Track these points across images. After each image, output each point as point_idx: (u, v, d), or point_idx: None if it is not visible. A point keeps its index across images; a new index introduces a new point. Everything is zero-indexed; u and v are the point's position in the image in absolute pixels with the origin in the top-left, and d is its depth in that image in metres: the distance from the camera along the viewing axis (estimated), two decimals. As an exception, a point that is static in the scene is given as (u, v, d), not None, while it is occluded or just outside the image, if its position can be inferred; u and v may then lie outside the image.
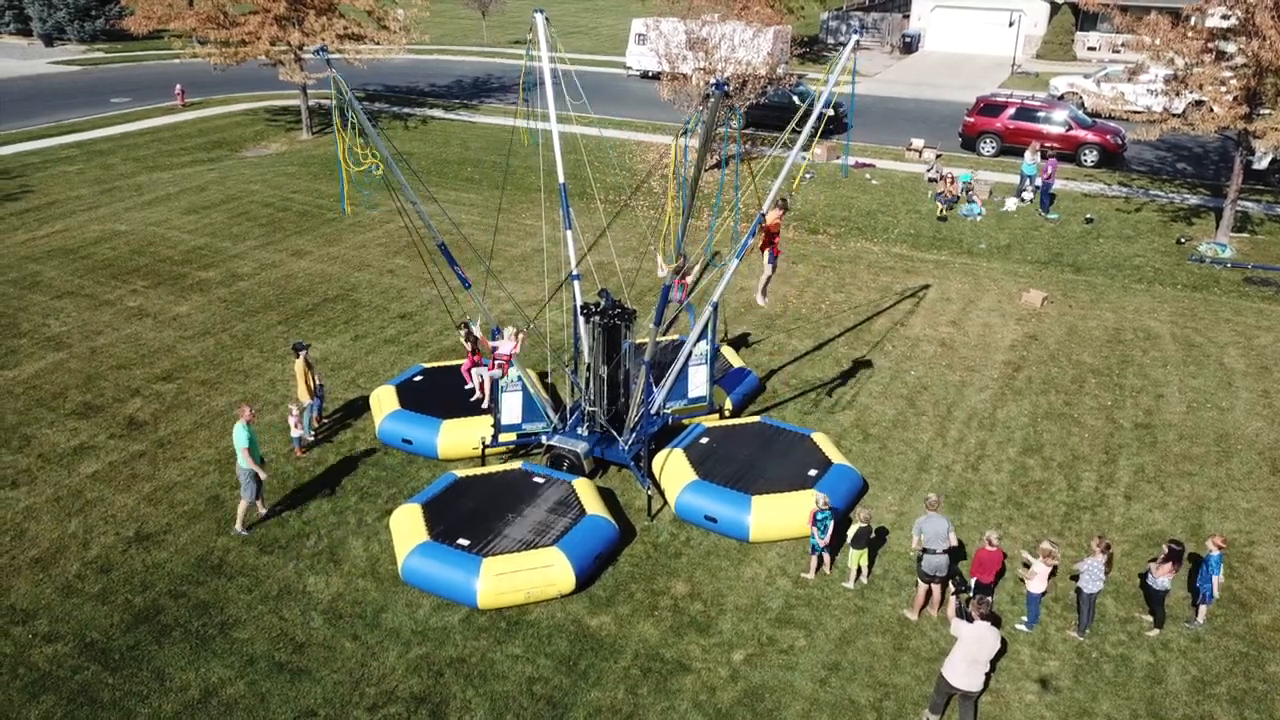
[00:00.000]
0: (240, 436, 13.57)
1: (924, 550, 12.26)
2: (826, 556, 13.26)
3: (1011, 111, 33.83)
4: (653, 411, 15.40)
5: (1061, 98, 38.72)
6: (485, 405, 16.05)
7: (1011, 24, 52.20)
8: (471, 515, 13.53)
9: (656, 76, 34.15)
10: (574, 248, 16.41)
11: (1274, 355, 19.75)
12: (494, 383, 15.00)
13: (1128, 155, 33.67)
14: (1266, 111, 24.45)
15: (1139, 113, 27.64)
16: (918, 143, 34.41)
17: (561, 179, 16.51)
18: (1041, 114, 33.43)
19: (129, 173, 31.97)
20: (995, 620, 11.07)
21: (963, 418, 17.33)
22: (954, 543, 12.42)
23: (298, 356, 15.95)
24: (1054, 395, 18.11)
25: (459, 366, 17.16)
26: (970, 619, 10.56)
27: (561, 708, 11.16)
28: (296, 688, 11.36)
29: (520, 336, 14.81)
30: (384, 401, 16.40)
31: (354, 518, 14.43)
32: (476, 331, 16.47)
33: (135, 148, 35.00)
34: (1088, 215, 27.98)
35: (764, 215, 15.08)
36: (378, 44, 35.48)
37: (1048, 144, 31.41)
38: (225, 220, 27.31)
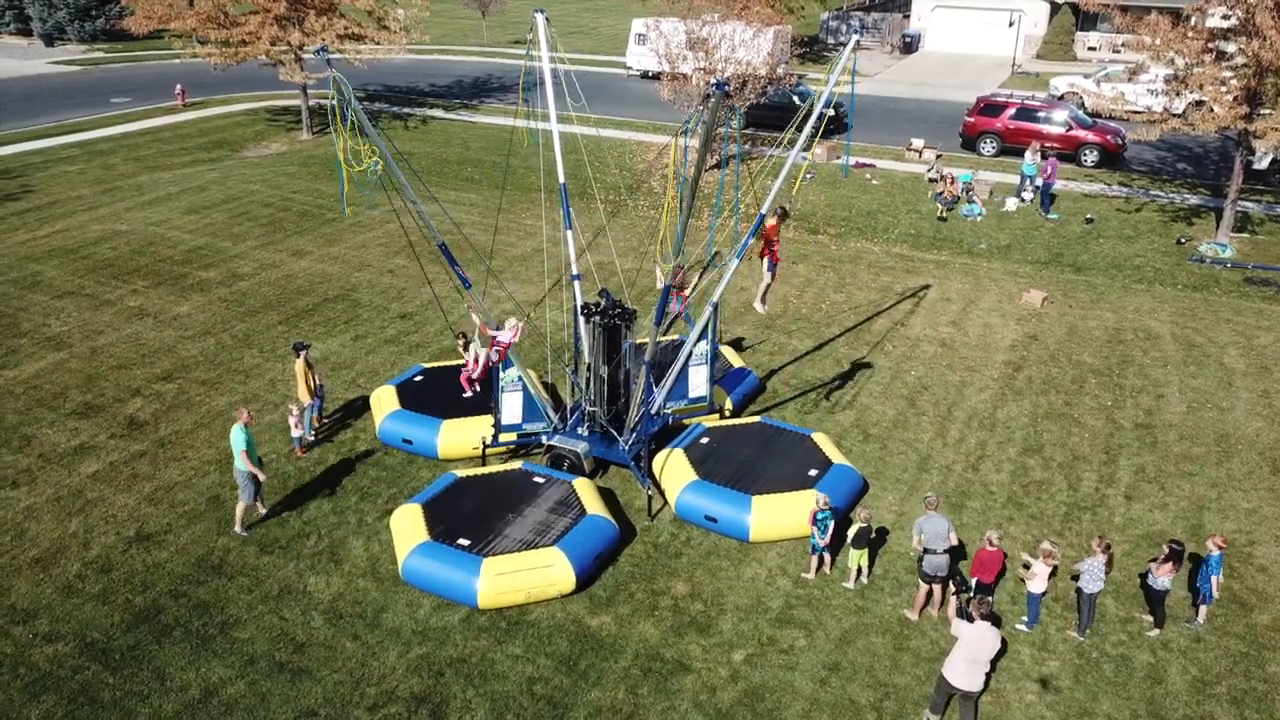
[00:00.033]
0: (238, 439, 13.57)
1: (924, 550, 12.26)
2: (827, 556, 13.26)
3: (1012, 112, 33.84)
4: (653, 411, 15.40)
5: (1062, 98, 38.72)
6: (477, 378, 16.03)
7: (1011, 24, 52.20)
8: (472, 515, 13.53)
9: (657, 76, 34.15)
10: (574, 248, 16.41)
11: (1274, 355, 19.76)
12: (493, 367, 14.90)
13: (1128, 155, 33.67)
14: (1267, 111, 24.45)
15: (1139, 113, 27.65)
16: (918, 143, 34.41)
17: (562, 179, 16.51)
18: (1042, 114, 33.43)
19: (129, 173, 31.98)
20: (996, 620, 11.07)
21: (963, 418, 17.34)
22: (954, 543, 12.42)
23: (298, 356, 15.96)
24: (1054, 395, 18.12)
25: (459, 368, 17.15)
26: (971, 619, 10.56)
27: (562, 708, 11.17)
28: (297, 687, 11.36)
29: (521, 326, 14.84)
30: (384, 401, 16.41)
31: (354, 518, 14.43)
32: (476, 346, 16.52)
33: (136, 148, 35.01)
34: (1088, 215, 27.98)
35: (764, 215, 15.07)
36: (378, 44, 35.49)
37: (1048, 144, 31.42)
38: (226, 220, 27.31)
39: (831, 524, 12.98)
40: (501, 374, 14.89)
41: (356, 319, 21.06)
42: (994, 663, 11.20)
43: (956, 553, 12.80)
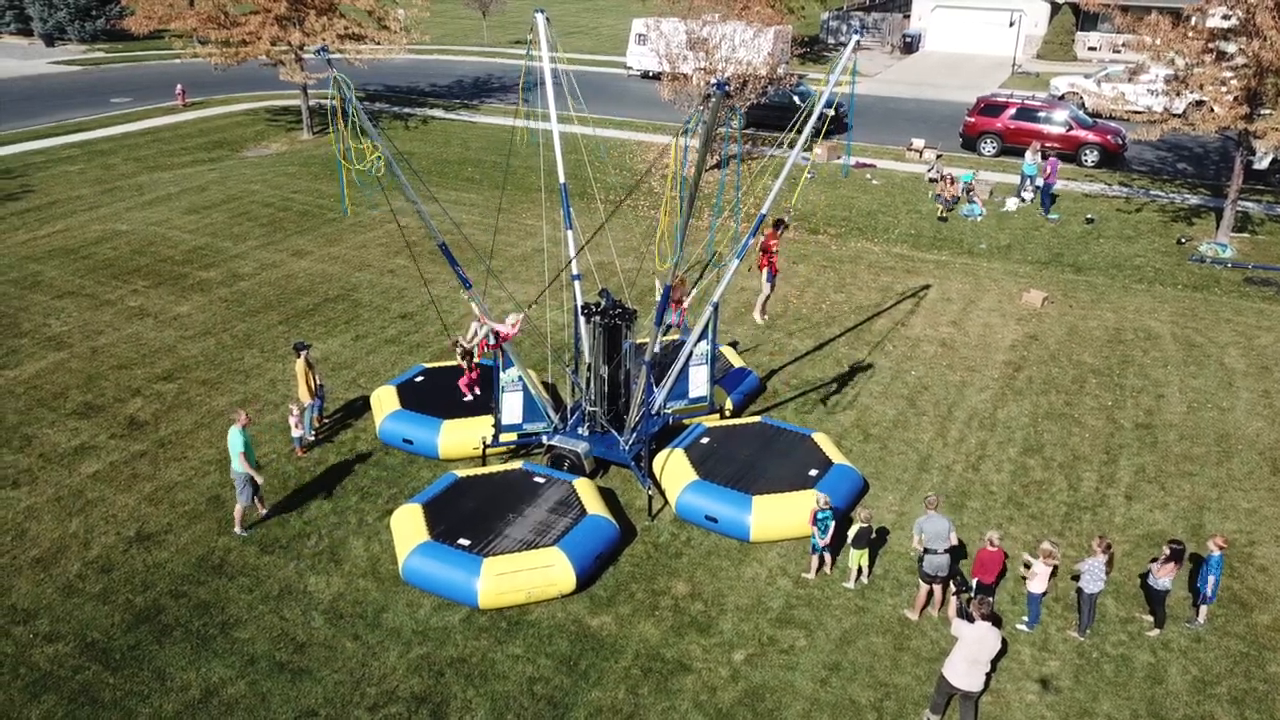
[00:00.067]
0: (236, 441, 13.57)
1: (925, 550, 12.26)
2: (827, 556, 13.26)
3: (1012, 112, 33.84)
4: (653, 411, 15.40)
5: (1062, 98, 38.73)
6: (473, 349, 15.97)
7: (1012, 24, 52.21)
8: (472, 515, 13.53)
9: (657, 77, 34.14)
10: (575, 248, 16.41)
11: (1274, 355, 19.76)
12: (490, 349, 14.82)
13: (1128, 155, 33.67)
14: (1267, 111, 24.45)
15: (1139, 113, 27.64)
16: (918, 143, 34.41)
17: (562, 179, 16.51)
18: (1042, 114, 33.44)
19: (130, 173, 31.98)
20: (996, 620, 11.07)
21: (963, 418, 17.34)
22: (954, 542, 12.42)
23: (298, 356, 15.96)
24: (1054, 395, 18.12)
25: (459, 372, 17.13)
26: (971, 619, 10.56)
27: (562, 708, 11.17)
28: (297, 687, 11.37)
29: (522, 318, 14.86)
30: (385, 401, 16.41)
31: (355, 518, 14.44)
32: (476, 325, 16.44)
33: (136, 148, 35.02)
34: (1088, 215, 27.98)
35: (764, 215, 15.07)
36: (378, 44, 35.49)
37: (1048, 144, 31.43)
38: (226, 220, 27.32)
39: (832, 524, 12.98)
40: (502, 374, 14.89)
41: (357, 319, 21.06)
42: (994, 663, 11.20)
43: (957, 553, 12.80)
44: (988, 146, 34.21)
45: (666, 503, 14.59)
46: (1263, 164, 30.13)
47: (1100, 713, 11.19)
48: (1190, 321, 21.34)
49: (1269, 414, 17.54)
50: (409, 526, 13.29)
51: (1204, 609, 12.44)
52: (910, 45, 55.57)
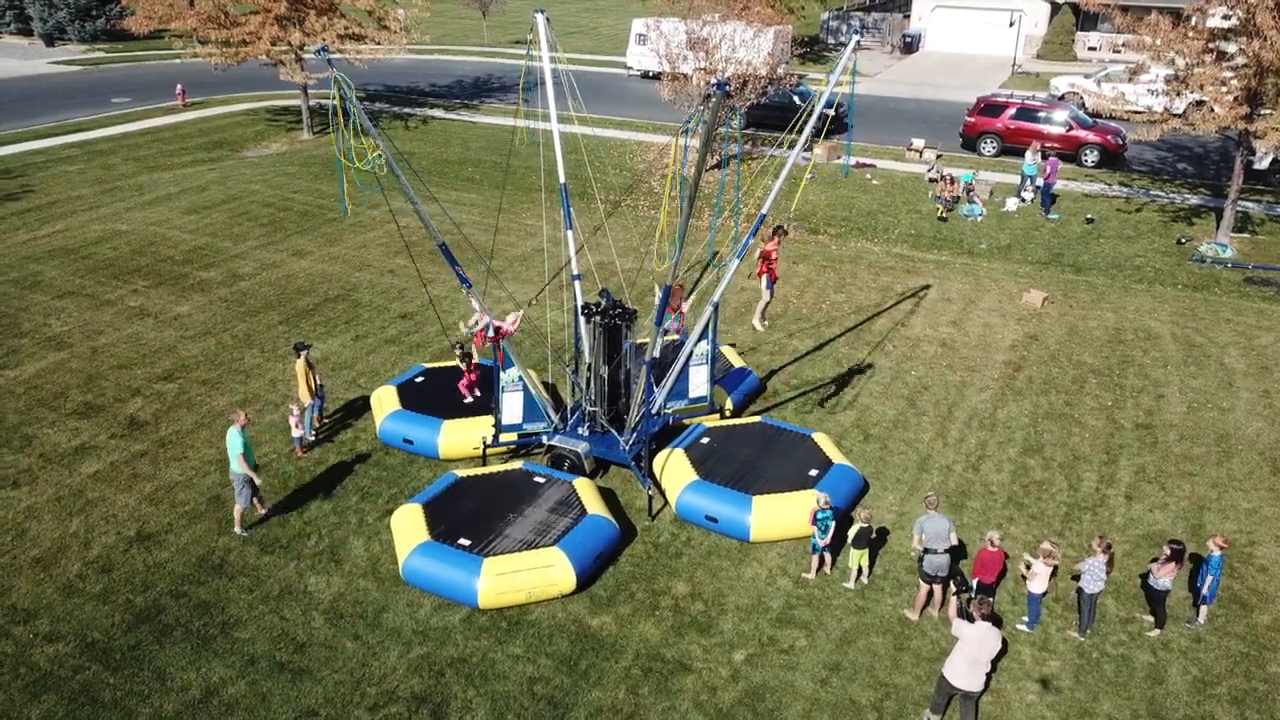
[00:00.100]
0: (235, 442, 13.57)
1: (925, 550, 12.26)
2: (827, 556, 13.26)
3: (1012, 112, 33.84)
4: (653, 411, 15.40)
5: (1062, 98, 38.73)
6: (470, 348, 15.88)
7: (1012, 24, 52.22)
8: (472, 515, 13.53)
9: (657, 77, 34.14)
10: (575, 247, 16.41)
11: (1274, 355, 19.76)
12: (495, 340, 14.76)
13: (1128, 155, 33.67)
14: (1267, 111, 24.46)
15: (1140, 113, 27.64)
16: (918, 143, 34.42)
17: (563, 179, 16.51)
18: (1042, 114, 33.44)
19: (130, 173, 31.98)
20: (996, 620, 11.07)
21: (963, 418, 17.34)
22: (955, 542, 12.42)
23: (299, 356, 15.97)
24: (1055, 395, 18.12)
25: (459, 373, 17.12)
26: (972, 619, 10.56)
27: (563, 708, 11.17)
28: (298, 687, 11.37)
29: (521, 314, 14.85)
30: (385, 401, 16.41)
31: (355, 518, 14.43)
32: (476, 312, 16.39)
33: (136, 148, 35.02)
34: (1088, 215, 27.99)
35: (765, 216, 15.07)
36: (378, 44, 35.49)
37: (1048, 144, 31.43)
38: (226, 220, 27.32)
39: (832, 524, 12.98)
40: (502, 374, 14.89)
41: (357, 319, 21.06)
42: (995, 663, 11.20)
43: (957, 553, 12.81)
44: (988, 146, 34.21)
45: (666, 503, 14.59)
46: (1263, 164, 30.13)
47: (1100, 713, 11.19)
48: (1190, 321, 21.35)
49: (1269, 414, 17.54)
50: (409, 526, 13.29)
51: (1204, 609, 12.44)
52: (910, 45, 55.57)
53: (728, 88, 13.23)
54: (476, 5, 59.12)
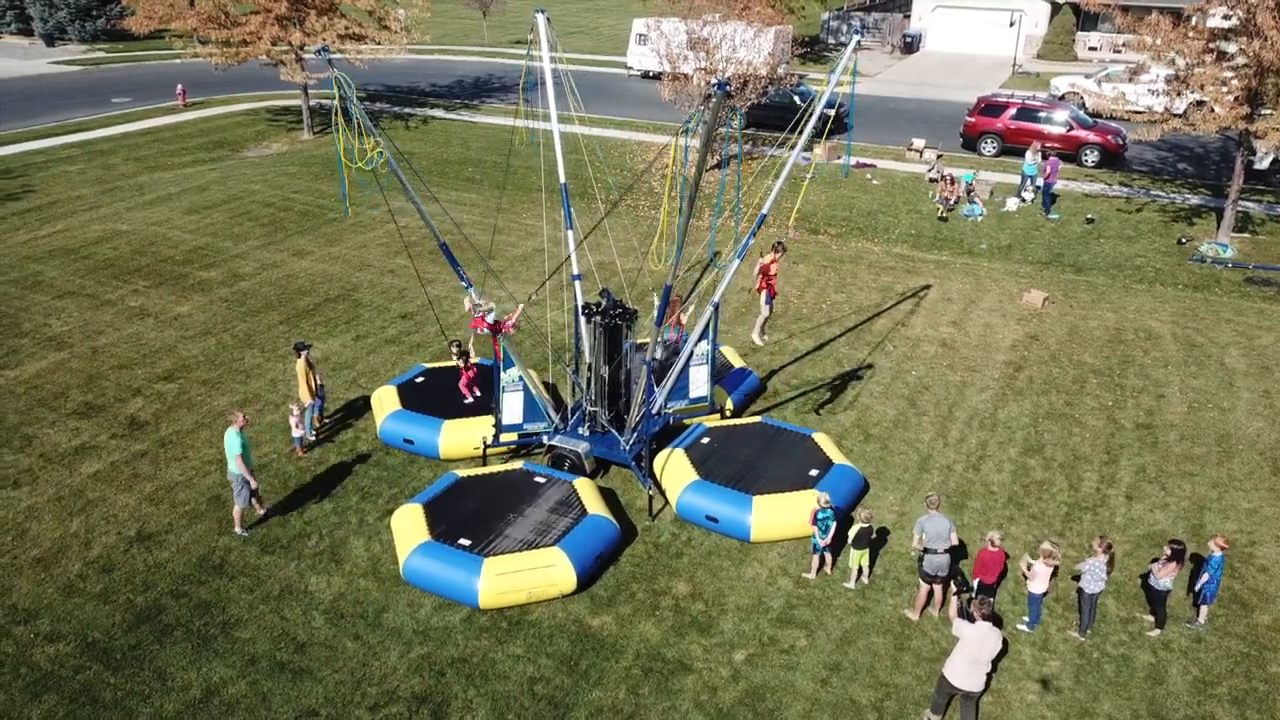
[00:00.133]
0: (233, 443, 13.57)
1: (925, 550, 12.26)
2: (828, 556, 13.26)
3: (1012, 112, 33.84)
4: (654, 411, 15.41)
5: (1062, 98, 38.73)
6: (478, 311, 15.72)
7: (1012, 24, 52.22)
8: (473, 515, 13.54)
9: (657, 77, 34.15)
10: (574, 244, 16.41)
11: (1275, 355, 19.75)
12: (492, 329, 14.67)
13: (1129, 155, 33.67)
14: (1267, 112, 24.46)
15: (1140, 113, 27.64)
16: (919, 143, 34.41)
17: (563, 179, 16.51)
18: (1042, 114, 33.44)
19: (130, 172, 31.99)
20: (997, 620, 11.07)
21: (964, 418, 17.34)
22: (955, 542, 12.42)
23: (299, 356, 15.97)
24: (1055, 395, 18.12)
25: (459, 373, 17.12)
26: (972, 619, 10.56)
27: (563, 708, 11.17)
28: (298, 687, 11.37)
29: (520, 309, 14.82)
30: (385, 401, 16.41)
31: (355, 518, 14.44)
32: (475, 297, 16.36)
33: (136, 147, 35.02)
34: (1089, 215, 27.98)
35: (765, 215, 15.08)
36: (379, 44, 35.50)
37: (1049, 144, 31.43)
38: (226, 220, 27.32)
39: (833, 524, 12.98)
40: (502, 374, 14.89)
41: (357, 319, 21.07)
42: (995, 663, 11.20)
43: (957, 553, 12.81)
44: (988, 146, 34.21)
45: (667, 503, 14.60)
46: (1263, 164, 30.13)
47: (1101, 713, 11.20)
48: (1191, 321, 21.34)
49: (1269, 414, 17.54)
50: (410, 526, 13.29)
51: (1204, 609, 12.44)
52: (910, 45, 55.57)
53: (728, 88, 13.24)
54: (477, 5, 59.12)
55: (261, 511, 14.30)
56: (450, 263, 14.71)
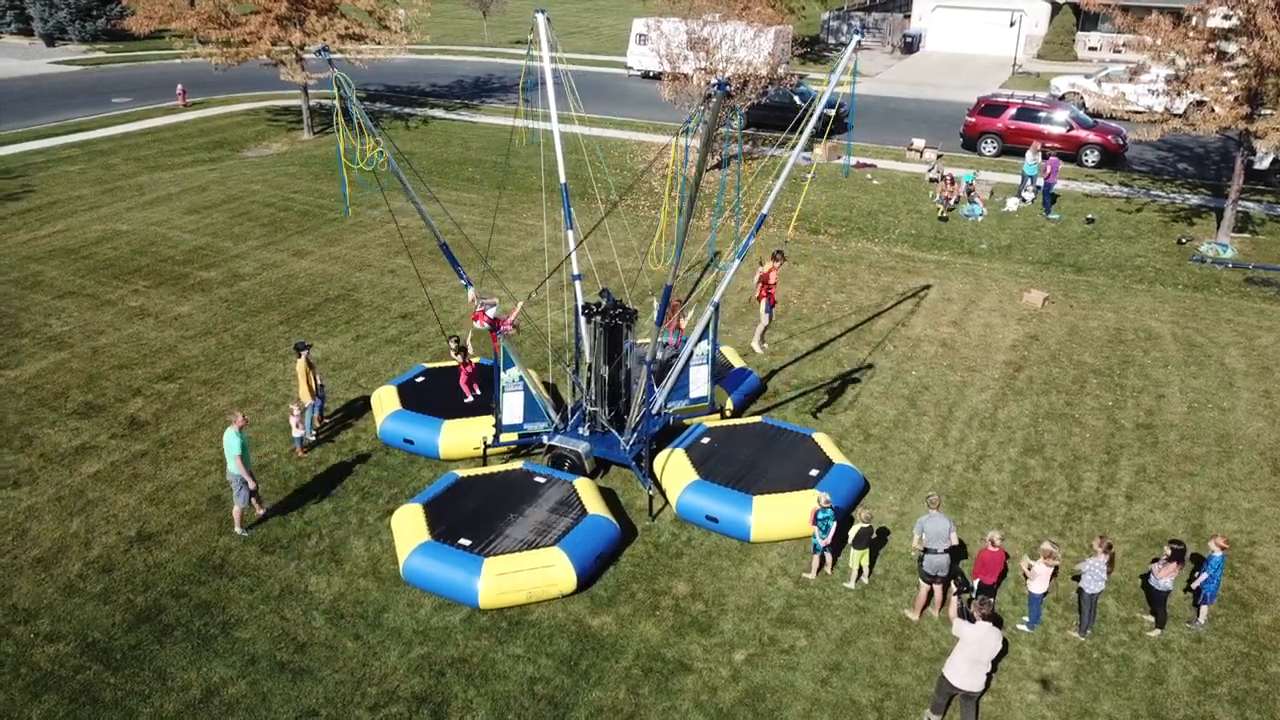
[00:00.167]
0: (232, 443, 13.56)
1: (925, 550, 12.26)
2: (828, 556, 13.26)
3: (1013, 112, 33.84)
4: (654, 411, 15.41)
5: (1063, 98, 38.73)
6: (478, 305, 15.71)
7: (1012, 24, 52.22)
8: (473, 515, 13.54)
9: (657, 77, 34.15)
10: (574, 244, 16.41)
11: (1275, 355, 19.75)
12: (491, 323, 14.64)
13: (1129, 155, 33.67)
14: (1268, 112, 24.46)
15: (1140, 113, 27.64)
16: (919, 143, 34.41)
17: (563, 179, 16.51)
18: (1043, 114, 33.44)
19: (130, 172, 31.99)
20: (997, 620, 11.07)
21: (964, 418, 17.34)
22: (955, 542, 12.42)
23: (299, 356, 15.97)
24: (1055, 395, 18.12)
25: (459, 371, 17.14)
26: (972, 619, 10.56)
27: (563, 708, 11.17)
28: (298, 687, 11.37)
29: (520, 307, 14.86)
30: (385, 401, 16.41)
31: (355, 518, 14.44)
32: (474, 294, 16.35)
33: (136, 147, 35.03)
34: (1089, 215, 27.98)
35: (765, 215, 15.07)
36: (379, 44, 35.50)
37: (1049, 144, 31.44)
38: (227, 220, 27.32)
39: (833, 524, 12.98)
40: (503, 374, 14.89)
41: (357, 319, 21.07)
42: (995, 663, 11.20)
43: (957, 553, 12.81)
44: (988, 146, 34.21)
45: (667, 503, 14.60)
46: (1263, 164, 30.13)
47: (1101, 713, 11.20)
48: (1191, 322, 21.34)
49: (1270, 414, 17.54)
50: (410, 526, 13.29)
51: (1204, 609, 12.44)
52: (911, 45, 55.58)
53: (728, 88, 13.24)
54: (477, 5, 59.13)
55: (261, 511, 14.30)
56: (450, 262, 14.70)
